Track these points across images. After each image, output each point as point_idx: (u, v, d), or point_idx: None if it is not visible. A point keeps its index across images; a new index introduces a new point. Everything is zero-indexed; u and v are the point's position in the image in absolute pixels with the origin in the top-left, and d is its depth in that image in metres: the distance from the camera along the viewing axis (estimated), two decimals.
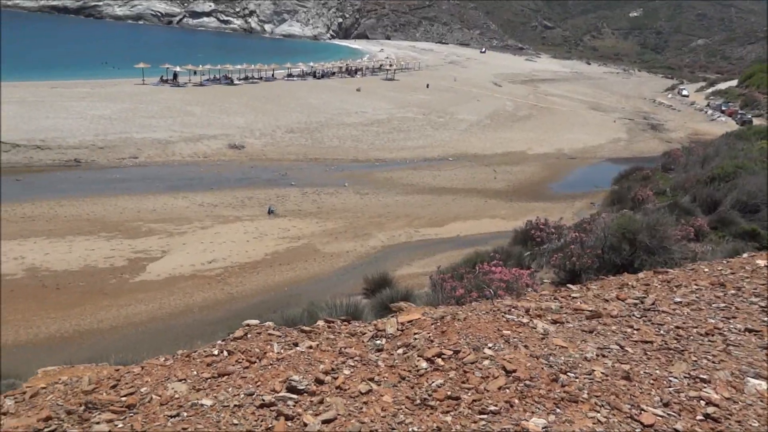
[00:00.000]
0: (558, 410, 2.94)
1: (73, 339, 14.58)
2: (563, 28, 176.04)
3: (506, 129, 50.16)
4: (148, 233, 21.22)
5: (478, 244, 18.10)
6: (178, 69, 55.61)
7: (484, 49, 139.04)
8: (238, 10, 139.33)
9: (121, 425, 2.86)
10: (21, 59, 70.03)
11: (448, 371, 3.30)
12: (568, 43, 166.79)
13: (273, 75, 65.31)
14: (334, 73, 73.35)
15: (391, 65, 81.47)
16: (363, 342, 3.76)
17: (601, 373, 3.32)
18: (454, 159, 38.22)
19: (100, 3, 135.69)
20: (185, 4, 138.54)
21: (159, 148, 33.07)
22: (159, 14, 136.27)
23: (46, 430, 2.83)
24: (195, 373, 3.38)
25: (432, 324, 3.94)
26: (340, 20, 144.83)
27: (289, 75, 67.53)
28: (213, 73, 59.47)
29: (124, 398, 3.10)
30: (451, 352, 3.49)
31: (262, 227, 22.78)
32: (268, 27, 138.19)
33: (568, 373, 3.30)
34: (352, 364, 3.42)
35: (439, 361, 3.40)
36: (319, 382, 3.21)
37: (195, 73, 57.54)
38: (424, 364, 3.38)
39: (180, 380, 3.28)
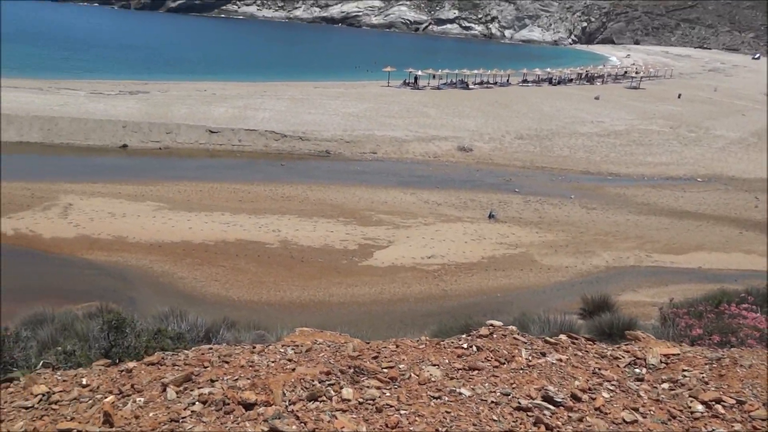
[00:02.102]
0: None
1: (309, 306, 16.72)
2: None
3: None
4: (378, 223, 23.16)
5: (724, 281, 15.73)
6: (419, 73, 59.20)
7: (758, 55, 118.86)
8: (480, 16, 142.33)
9: (388, 394, 3.22)
10: (297, 63, 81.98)
11: (732, 422, 3.04)
12: None
13: (508, 80, 65.27)
14: (571, 80, 70.26)
15: (637, 72, 74.79)
16: (619, 366, 3.66)
17: None
18: (704, 180, 33.59)
19: (360, 13, 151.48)
20: (432, 13, 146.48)
21: (395, 145, 35.73)
22: (408, 22, 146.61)
23: (327, 381, 3.32)
24: (447, 361, 3.65)
25: (706, 364, 3.66)
26: (584, 24, 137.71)
27: (524, 81, 66.73)
28: (450, 78, 61.87)
29: (385, 370, 3.48)
30: (734, 401, 3.22)
31: (482, 230, 23.07)
32: (507, 32, 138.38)
33: None
34: (611, 388, 3.36)
35: (719, 408, 3.17)
36: (576, 398, 3.23)
37: (434, 77, 60.60)
38: (700, 407, 3.20)
39: (433, 365, 3.57)
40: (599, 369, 3.57)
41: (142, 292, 16.34)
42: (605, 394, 3.27)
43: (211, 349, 3.95)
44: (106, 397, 3.21)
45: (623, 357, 3.76)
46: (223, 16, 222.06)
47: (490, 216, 24.67)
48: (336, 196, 26.03)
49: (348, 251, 20.41)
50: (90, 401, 3.21)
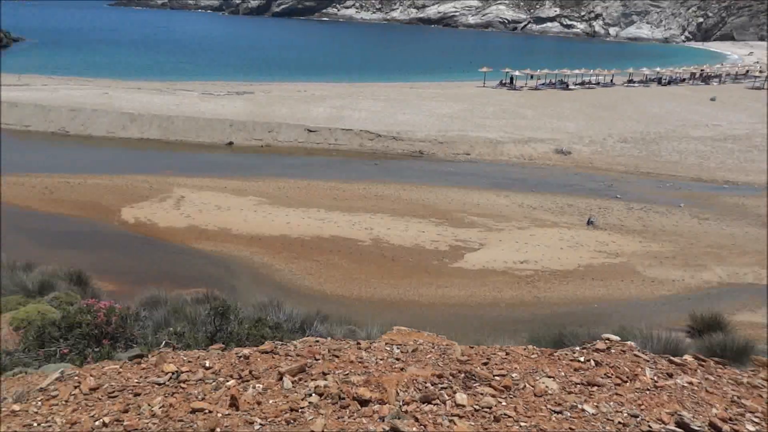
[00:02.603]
0: None
1: (398, 305, 16.87)
2: None
3: None
4: (469, 225, 22.90)
5: None
6: (516, 73, 57.82)
7: None
8: (583, 13, 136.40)
9: (504, 403, 3.13)
10: (393, 64, 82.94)
11: None
12: None
13: (612, 81, 62.05)
14: (683, 80, 65.50)
15: (761, 71, 68.23)
16: (761, 396, 3.35)
17: None
18: None
19: (457, 13, 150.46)
20: (531, 11, 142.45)
21: (489, 147, 35.15)
22: (506, 21, 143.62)
23: (440, 385, 3.30)
24: (563, 374, 3.51)
25: None
26: (700, 20, 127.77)
27: (630, 81, 63.07)
28: (549, 78, 59.85)
29: (497, 378, 3.41)
30: None
31: (579, 237, 22.11)
32: (612, 30, 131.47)
33: None
34: (756, 420, 3.05)
35: None
36: (716, 428, 2.98)
37: (531, 77, 58.91)
38: None
39: (549, 376, 3.44)
40: (738, 397, 3.27)
41: (243, 282, 17.29)
42: (750, 427, 2.98)
43: (317, 341, 4.07)
44: (227, 381, 3.40)
45: (763, 386, 3.42)
46: (324, 19, 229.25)
47: (589, 222, 23.58)
48: (428, 197, 26.05)
49: (439, 252, 20.36)
50: (214, 383, 3.40)
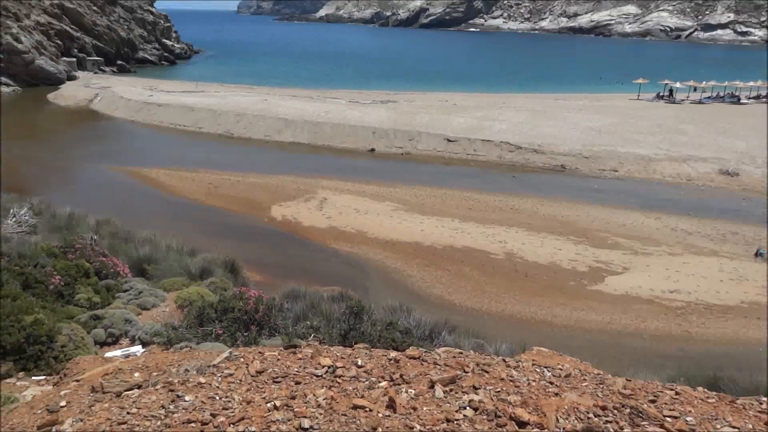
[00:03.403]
0: None
1: (530, 323, 16.29)
2: None
3: None
4: (613, 246, 21.43)
5: None
6: (677, 85, 53.06)
7: None
8: (763, 19, 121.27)
9: None
10: (539, 74, 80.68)
11: None
12: None
13: None
14: None
15: None
16: None
17: None
18: None
19: (612, 22, 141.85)
20: (699, 17, 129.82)
21: (640, 164, 32.61)
22: (668, 29, 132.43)
23: (604, 417, 3.12)
24: (750, 426, 3.16)
25: None
26: None
27: None
28: (716, 90, 54.06)
29: (669, 419, 3.14)
30: None
31: (744, 270, 19.63)
32: None
33: None
34: None
35: None
36: None
37: (695, 89, 53.65)
38: None
39: (732, 427, 3.12)
40: None
41: (375, 284, 17.86)
42: None
43: (461, 353, 4.06)
44: (380, 382, 3.50)
45: None
46: (471, 29, 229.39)
47: (758, 254, 20.84)
48: (568, 213, 24.86)
49: (576, 272, 19.32)
50: (367, 382, 3.52)
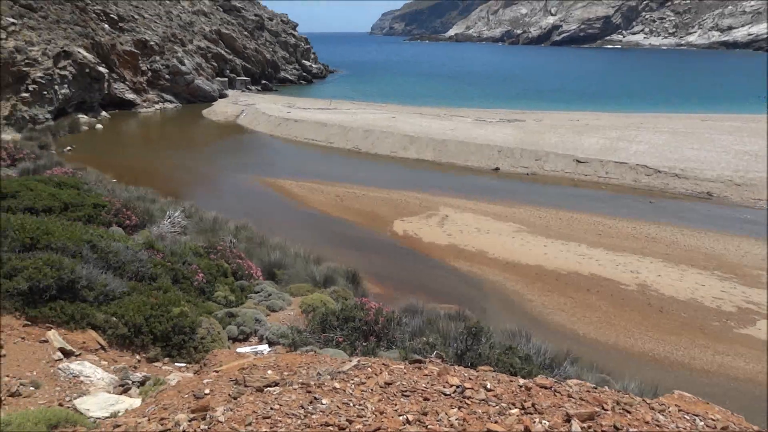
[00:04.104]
0: None
1: (663, 363, 14.91)
2: None
3: None
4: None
5: None
6: None
7: None
8: None
9: None
10: (684, 93, 74.61)
11: None
12: None
13: None
14: None
15: None
16: None
17: None
18: None
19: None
20: None
21: None
22: None
23: None
24: None
25: None
26: None
27: None
28: None
29: None
30: None
31: None
32: None
33: None
34: None
35: None
36: None
37: None
38: None
39: None
40: None
41: (493, 305, 17.46)
42: None
43: (596, 388, 3.83)
44: (510, 408, 3.42)
45: None
46: (608, 46, 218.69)
47: None
48: (714, 246, 22.50)
49: (721, 312, 17.37)
50: (497, 407, 3.44)
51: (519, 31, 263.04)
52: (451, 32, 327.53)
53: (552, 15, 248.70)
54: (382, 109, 54.90)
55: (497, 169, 35.20)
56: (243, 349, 9.57)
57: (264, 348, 9.55)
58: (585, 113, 53.05)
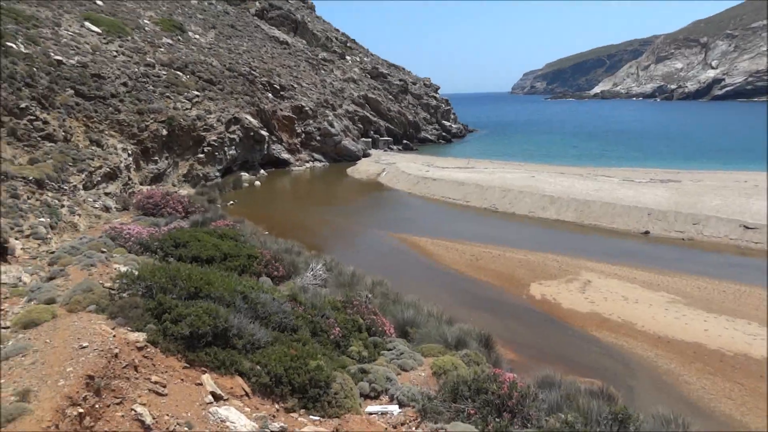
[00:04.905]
0: None
1: None
2: None
3: None
4: None
5: None
6: None
7: None
8: None
9: None
10: None
11: None
12: None
13: None
14: None
15: None
16: None
17: None
18: None
19: None
20: None
21: None
22: None
23: None
24: None
25: None
26: None
27: None
28: None
29: None
30: None
31: None
32: None
33: None
34: None
35: None
36: None
37: None
38: None
39: None
40: None
41: (642, 384, 15.78)
42: None
43: None
44: None
45: None
46: None
47: None
48: None
49: None
50: None
51: (673, 86, 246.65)
52: (597, 89, 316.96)
53: (713, 68, 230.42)
54: (522, 169, 54.08)
55: (647, 232, 32.53)
56: (373, 408, 9.66)
57: (394, 408, 9.54)
58: (753, 173, 47.51)
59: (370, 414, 9.48)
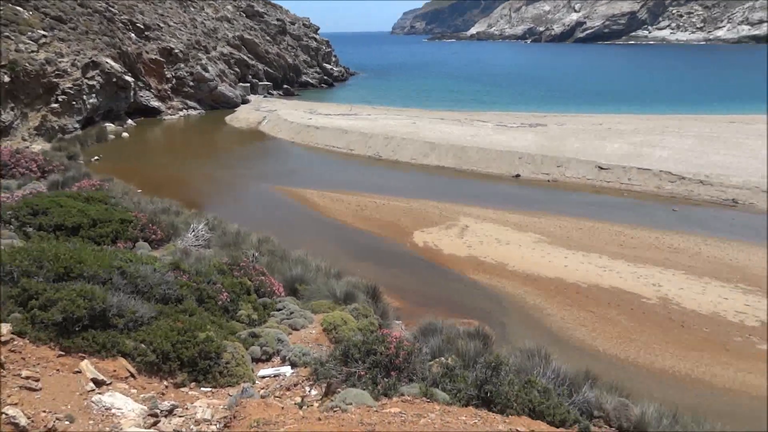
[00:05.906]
0: None
1: (683, 381, 14.83)
2: None
3: None
4: None
5: None
6: None
7: None
8: None
9: None
10: (712, 92, 73.18)
11: None
12: None
13: None
14: None
15: None
16: None
17: None
18: None
19: None
20: None
21: None
22: None
23: None
24: None
25: None
26: None
27: None
28: None
29: None
30: None
31: None
32: None
33: None
34: None
35: None
36: None
37: None
38: None
39: None
40: None
41: (513, 320, 17.53)
42: None
43: None
44: None
45: None
46: (632, 42, 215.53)
47: None
48: (738, 257, 22.18)
49: (744, 327, 17.16)
50: None
51: (542, 29, 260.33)
52: (473, 30, 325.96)
53: (576, 11, 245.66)
54: (403, 115, 55.06)
55: (518, 175, 35.10)
56: (265, 371, 9.87)
57: (287, 370, 9.83)
58: (608, 116, 52.46)
59: (263, 378, 9.68)
